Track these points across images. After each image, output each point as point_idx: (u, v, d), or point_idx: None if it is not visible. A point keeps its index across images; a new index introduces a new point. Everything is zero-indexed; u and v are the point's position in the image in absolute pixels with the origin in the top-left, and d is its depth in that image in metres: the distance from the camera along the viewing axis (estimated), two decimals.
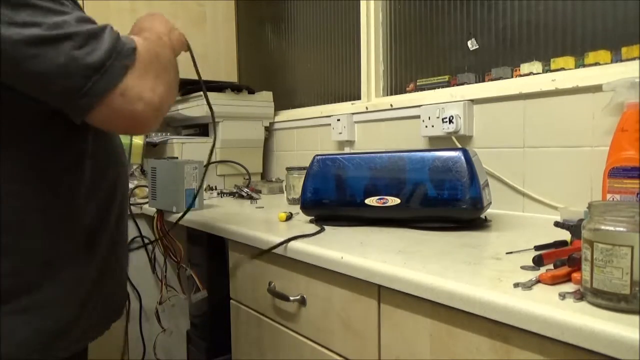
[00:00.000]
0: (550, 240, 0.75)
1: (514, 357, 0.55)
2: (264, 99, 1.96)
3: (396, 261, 0.70)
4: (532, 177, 1.13)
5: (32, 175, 0.69)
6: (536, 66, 1.14)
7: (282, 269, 0.94)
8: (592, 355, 0.47)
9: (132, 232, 1.42)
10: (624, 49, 0.99)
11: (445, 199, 0.91)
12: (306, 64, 1.93)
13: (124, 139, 1.53)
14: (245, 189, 1.66)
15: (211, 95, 1.80)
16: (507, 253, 0.74)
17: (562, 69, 1.09)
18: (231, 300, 1.14)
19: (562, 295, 0.53)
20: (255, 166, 1.97)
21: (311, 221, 1.08)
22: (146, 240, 1.50)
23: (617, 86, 0.89)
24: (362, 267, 0.72)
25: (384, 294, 0.72)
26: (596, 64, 1.03)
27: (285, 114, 1.98)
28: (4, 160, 0.66)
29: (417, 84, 1.45)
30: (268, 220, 1.15)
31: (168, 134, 1.91)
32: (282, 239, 0.89)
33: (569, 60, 1.08)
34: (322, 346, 0.85)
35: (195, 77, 1.05)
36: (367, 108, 1.55)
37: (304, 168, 1.30)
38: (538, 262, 0.65)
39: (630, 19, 0.98)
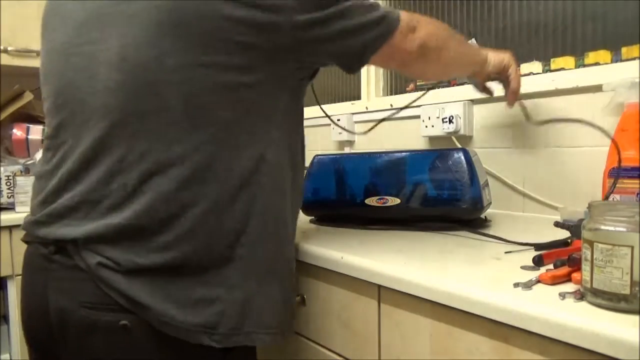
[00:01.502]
0: (550, 240, 0.75)
1: (514, 357, 0.55)
2: None
3: (396, 261, 0.70)
4: (532, 177, 1.13)
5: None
6: (536, 66, 1.14)
7: None
8: (592, 355, 0.47)
9: None
10: (624, 49, 0.99)
11: (445, 199, 0.91)
12: None
13: None
14: None
15: None
16: (506, 253, 0.74)
17: (562, 69, 1.09)
18: None
19: (562, 295, 0.53)
20: None
21: (311, 221, 1.08)
22: None
23: (617, 86, 0.89)
24: (362, 267, 0.72)
25: (384, 294, 0.72)
26: (596, 64, 1.03)
27: None
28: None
29: (417, 83, 1.45)
30: None
31: None
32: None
33: (569, 60, 1.08)
34: (322, 346, 0.85)
35: None
36: (367, 108, 1.55)
37: None
38: (538, 262, 0.65)
39: (630, 19, 0.98)
